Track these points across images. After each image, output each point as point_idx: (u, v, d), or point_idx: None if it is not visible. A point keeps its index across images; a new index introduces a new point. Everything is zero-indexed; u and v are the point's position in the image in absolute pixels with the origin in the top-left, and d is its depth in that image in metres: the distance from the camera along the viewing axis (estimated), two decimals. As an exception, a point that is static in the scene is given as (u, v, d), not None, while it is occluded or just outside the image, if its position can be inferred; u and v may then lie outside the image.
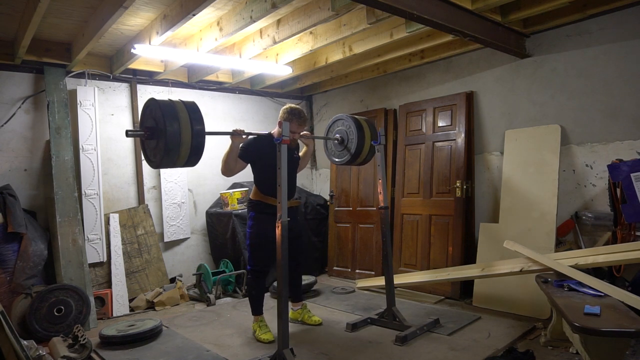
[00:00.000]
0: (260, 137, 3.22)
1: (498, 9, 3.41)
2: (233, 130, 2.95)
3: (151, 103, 2.47)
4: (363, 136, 3.44)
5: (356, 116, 3.56)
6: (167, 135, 2.30)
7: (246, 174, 5.53)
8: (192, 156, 2.44)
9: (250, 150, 3.19)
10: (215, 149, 5.29)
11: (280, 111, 3.31)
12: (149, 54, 3.91)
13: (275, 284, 4.24)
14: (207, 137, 2.53)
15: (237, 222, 4.63)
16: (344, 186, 5.42)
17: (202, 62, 4.46)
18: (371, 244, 5.01)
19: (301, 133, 3.34)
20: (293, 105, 3.32)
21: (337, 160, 3.62)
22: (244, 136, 3.02)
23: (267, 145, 2.83)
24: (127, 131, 2.50)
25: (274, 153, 2.75)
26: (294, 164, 3.46)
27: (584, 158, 3.71)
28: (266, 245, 3.19)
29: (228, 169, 3.16)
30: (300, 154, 3.60)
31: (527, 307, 3.55)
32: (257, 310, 3.36)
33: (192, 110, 2.46)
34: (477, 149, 4.40)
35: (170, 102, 2.44)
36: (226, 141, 5.42)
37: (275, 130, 3.19)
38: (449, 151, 4.39)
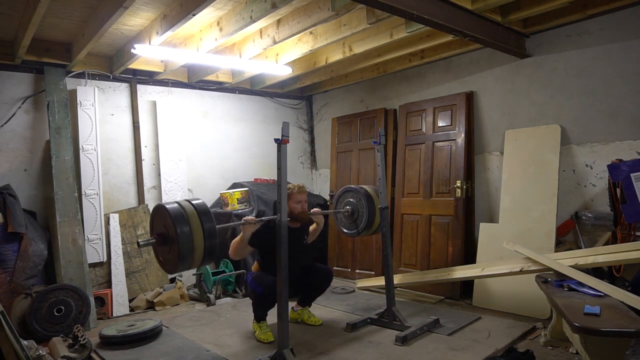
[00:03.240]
0: (268, 225, 3.14)
1: (498, 9, 3.41)
2: (244, 220, 2.93)
3: (160, 209, 2.41)
4: (374, 211, 3.44)
5: (367, 188, 3.52)
6: (179, 242, 2.25)
7: (246, 173, 5.54)
8: (206, 258, 2.40)
9: (259, 238, 3.16)
10: (216, 149, 5.30)
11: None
12: (149, 54, 3.91)
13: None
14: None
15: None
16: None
17: (202, 62, 4.46)
18: (371, 244, 5.01)
19: (312, 210, 3.37)
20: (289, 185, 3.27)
21: (345, 230, 3.65)
22: (255, 224, 2.99)
23: (272, 232, 2.81)
24: (138, 242, 2.45)
25: (276, 240, 2.73)
26: (302, 246, 3.43)
27: (584, 158, 3.71)
28: (270, 275, 3.15)
29: (237, 253, 3.22)
30: (311, 229, 3.54)
31: (527, 307, 3.55)
32: (261, 319, 3.35)
33: (202, 212, 2.37)
34: (477, 149, 4.40)
35: (179, 208, 2.35)
36: (224, 133, 5.42)
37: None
38: (449, 151, 4.39)
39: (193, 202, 2.42)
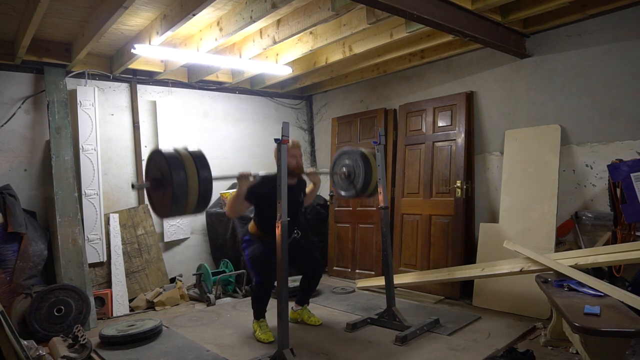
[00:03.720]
0: (266, 179, 3.14)
1: (498, 9, 3.41)
2: (239, 174, 2.94)
3: (155, 154, 2.44)
4: (370, 171, 3.41)
5: (363, 149, 3.51)
6: (173, 185, 2.26)
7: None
8: (201, 203, 2.40)
9: (255, 192, 3.16)
10: (216, 149, 5.30)
11: (274, 151, 3.23)
12: (149, 54, 3.91)
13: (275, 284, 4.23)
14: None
15: (237, 222, 4.63)
16: (344, 186, 5.42)
17: (202, 62, 4.46)
18: (371, 244, 5.01)
19: (308, 171, 3.37)
20: None
21: (343, 193, 3.61)
22: (251, 178, 3.00)
23: (271, 187, 2.81)
24: (132, 184, 2.46)
25: (276, 194, 2.74)
26: (298, 204, 3.42)
27: (584, 158, 3.71)
28: (268, 257, 3.16)
29: (234, 210, 3.19)
30: (307, 190, 3.55)
31: (527, 307, 3.55)
32: (259, 315, 3.36)
33: (198, 157, 2.41)
34: (477, 149, 4.40)
35: (175, 152, 2.39)
36: (224, 133, 5.42)
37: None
38: (449, 151, 4.39)
39: (189, 149, 2.45)
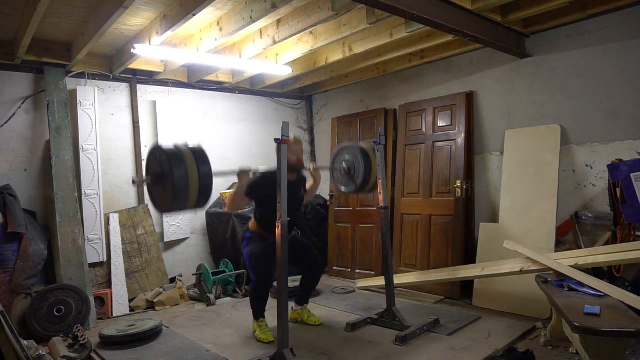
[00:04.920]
0: (267, 175, 3.15)
1: (498, 9, 3.41)
2: (240, 170, 2.94)
3: (156, 150, 2.44)
4: (370, 166, 3.41)
5: (362, 145, 3.51)
6: (174, 179, 2.27)
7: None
8: (201, 198, 2.40)
9: (256, 189, 3.16)
10: (216, 149, 5.30)
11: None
12: (149, 54, 3.91)
13: (275, 284, 4.23)
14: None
15: (237, 222, 4.63)
16: (344, 186, 5.42)
17: (202, 62, 4.46)
18: (371, 244, 5.01)
19: (309, 166, 3.39)
20: None
21: (343, 188, 3.61)
22: (251, 174, 3.00)
23: (272, 183, 2.81)
24: (133, 180, 2.47)
25: (275, 190, 2.74)
26: (299, 200, 3.42)
27: (584, 158, 3.71)
28: (267, 254, 3.17)
29: (234, 205, 3.20)
30: (308, 186, 3.55)
31: (527, 307, 3.55)
32: (259, 315, 3.36)
33: (198, 152, 2.42)
34: (477, 149, 4.40)
35: (175, 148, 2.40)
36: (224, 133, 5.43)
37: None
38: (449, 151, 4.39)
39: (189, 145, 2.46)
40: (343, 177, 3.56)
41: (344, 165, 3.51)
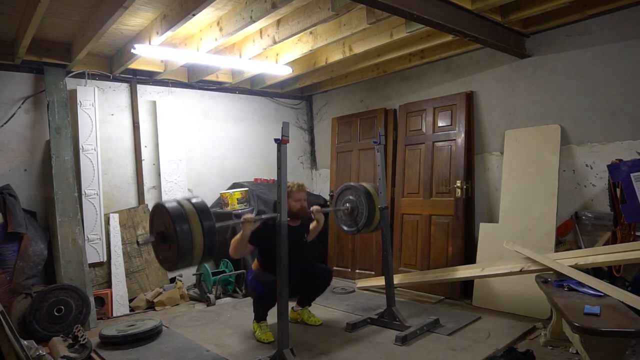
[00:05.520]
0: (269, 223, 3.10)
1: (498, 9, 3.41)
2: (243, 219, 2.93)
3: (159, 208, 2.43)
4: (373, 208, 3.43)
5: (366, 185, 3.52)
6: (178, 240, 2.26)
7: (246, 173, 5.54)
8: (206, 255, 2.40)
9: (259, 237, 3.14)
10: (216, 149, 5.30)
11: None
12: (149, 54, 3.91)
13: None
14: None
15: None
16: (344, 186, 5.42)
17: (202, 62, 4.46)
18: (371, 244, 5.01)
19: (313, 209, 3.38)
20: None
21: (345, 228, 3.64)
22: (254, 222, 2.98)
23: (272, 230, 2.81)
24: (137, 241, 2.46)
25: (275, 239, 2.74)
26: (302, 245, 3.42)
27: (584, 158, 3.71)
28: (269, 274, 3.17)
29: (238, 252, 3.19)
30: (311, 227, 3.54)
31: (527, 307, 3.55)
32: (260, 318, 3.35)
33: (201, 209, 2.39)
34: (477, 149, 4.40)
35: (178, 206, 2.37)
36: (224, 133, 5.42)
37: None
38: (449, 151, 4.39)
39: (192, 200, 2.44)
40: (346, 217, 3.61)
41: (348, 205, 3.55)
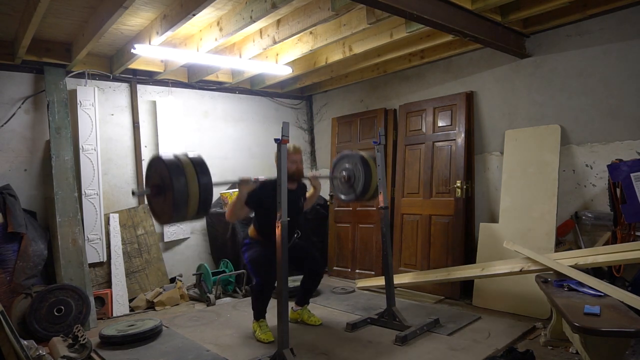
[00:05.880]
0: (266, 183, 3.15)
1: (498, 9, 3.41)
2: (240, 179, 2.94)
3: (155, 161, 2.44)
4: (370, 175, 3.41)
5: (362, 153, 3.51)
6: (174, 191, 2.27)
7: (246, 173, 5.53)
8: (202, 208, 2.40)
9: (255, 197, 3.16)
10: (216, 149, 5.30)
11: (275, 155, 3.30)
12: (149, 54, 3.91)
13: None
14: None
15: (237, 222, 4.63)
16: (344, 186, 5.42)
17: (202, 62, 4.46)
18: (371, 244, 5.01)
19: (309, 175, 3.39)
20: None
21: (343, 197, 3.61)
22: (252, 183, 3.00)
23: (271, 192, 2.83)
24: (132, 191, 2.48)
25: (275, 199, 2.74)
26: (299, 210, 3.42)
27: (583, 158, 3.71)
28: (267, 258, 3.17)
29: (234, 214, 3.19)
30: (308, 195, 3.56)
31: (527, 307, 3.55)
32: (260, 316, 3.36)
33: (198, 163, 2.42)
34: (477, 149, 4.40)
35: (175, 158, 2.40)
36: (224, 133, 5.42)
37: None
38: (449, 151, 4.39)
39: (189, 154, 2.46)
40: (343, 185, 3.57)
41: (344, 173, 3.52)
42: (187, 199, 2.31)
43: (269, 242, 2.99)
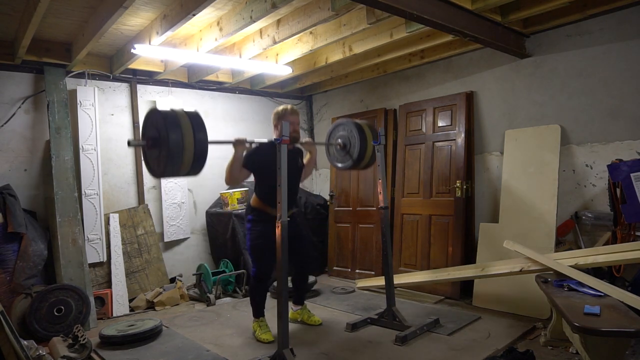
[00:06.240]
0: (263, 146, 3.17)
1: (498, 9, 3.41)
2: (235, 140, 2.93)
3: (152, 113, 2.45)
4: (365, 140, 3.40)
5: (357, 120, 3.52)
6: (169, 142, 2.27)
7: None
8: (196, 163, 2.40)
9: (253, 159, 3.15)
10: (216, 149, 5.29)
11: (272, 115, 3.31)
12: (149, 54, 3.91)
13: (275, 284, 4.23)
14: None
15: (237, 222, 4.63)
16: (344, 186, 5.42)
17: (202, 62, 4.46)
18: (371, 244, 5.01)
19: (304, 140, 3.37)
20: (280, 107, 3.34)
21: (339, 165, 3.58)
22: (247, 144, 3.00)
23: (270, 154, 2.80)
24: (128, 141, 2.49)
25: (275, 161, 2.73)
26: (297, 171, 3.40)
27: (583, 158, 3.71)
28: (268, 247, 3.15)
29: (232, 178, 3.11)
30: (305, 160, 3.54)
31: (527, 307, 3.55)
32: (259, 313, 3.36)
33: (194, 117, 2.42)
34: (477, 149, 4.40)
35: (171, 111, 2.41)
36: (224, 133, 5.43)
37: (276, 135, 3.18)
38: (449, 151, 4.39)
39: (185, 110, 2.47)
40: (339, 152, 3.54)
41: (340, 140, 3.50)
42: (182, 151, 2.31)
43: (272, 208, 2.91)
